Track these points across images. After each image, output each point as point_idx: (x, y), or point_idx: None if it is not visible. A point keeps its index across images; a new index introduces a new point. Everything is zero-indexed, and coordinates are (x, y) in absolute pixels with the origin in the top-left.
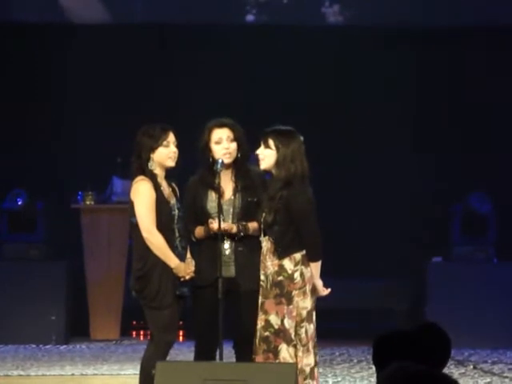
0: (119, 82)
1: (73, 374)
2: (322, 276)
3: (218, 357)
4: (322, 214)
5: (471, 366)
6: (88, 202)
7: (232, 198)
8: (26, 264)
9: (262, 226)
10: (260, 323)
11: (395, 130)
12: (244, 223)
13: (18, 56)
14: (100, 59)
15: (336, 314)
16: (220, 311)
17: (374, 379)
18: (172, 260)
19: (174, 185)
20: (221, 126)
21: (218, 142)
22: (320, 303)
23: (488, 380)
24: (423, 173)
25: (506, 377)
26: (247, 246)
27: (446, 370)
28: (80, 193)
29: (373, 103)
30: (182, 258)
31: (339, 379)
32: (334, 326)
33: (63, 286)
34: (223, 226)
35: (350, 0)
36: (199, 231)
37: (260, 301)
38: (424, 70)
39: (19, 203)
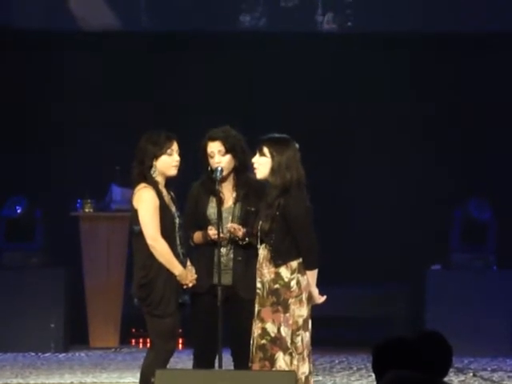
0: (118, 91)
1: (72, 382)
2: (322, 284)
3: (216, 364)
4: (321, 221)
5: (471, 374)
6: (87, 210)
7: (232, 206)
8: (25, 272)
9: (258, 234)
10: (256, 331)
11: (393, 134)
12: (250, 229)
13: (18, 63)
14: (99, 67)
15: (335, 321)
16: (219, 319)
17: None
18: (176, 267)
19: (172, 193)
20: (213, 139)
21: (211, 156)
22: (319, 311)
23: None
24: (422, 179)
25: None
26: (246, 255)
27: (445, 378)
28: (79, 200)
29: (371, 107)
30: (183, 265)
31: None
32: (334, 334)
33: (62, 294)
34: (231, 225)
35: (343, 8)
36: (197, 236)
37: (256, 309)
38: (422, 73)
39: (18, 211)
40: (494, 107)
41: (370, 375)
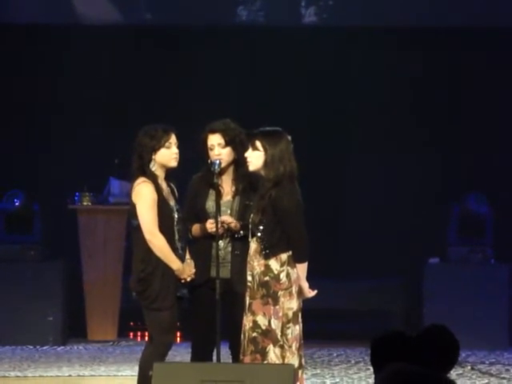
0: (116, 83)
1: (70, 375)
2: (320, 277)
3: (215, 357)
4: (319, 214)
5: (469, 367)
6: (85, 203)
7: (231, 200)
8: (23, 265)
9: (250, 226)
10: (248, 324)
11: (390, 130)
12: (246, 223)
13: (16, 56)
14: (97, 60)
15: (333, 314)
16: (217, 312)
17: (371, 380)
18: (174, 262)
19: (172, 185)
20: (213, 132)
21: (210, 149)
22: (318, 304)
23: (485, 381)
24: (420, 173)
25: (504, 378)
26: (244, 248)
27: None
28: (77, 193)
29: (370, 102)
30: (182, 259)
31: (337, 380)
32: (332, 327)
33: (60, 287)
34: (225, 218)
35: (327, 1)
36: (196, 229)
37: (247, 301)
38: (417, 69)
39: (16, 204)
40: (493, 104)
41: (369, 368)
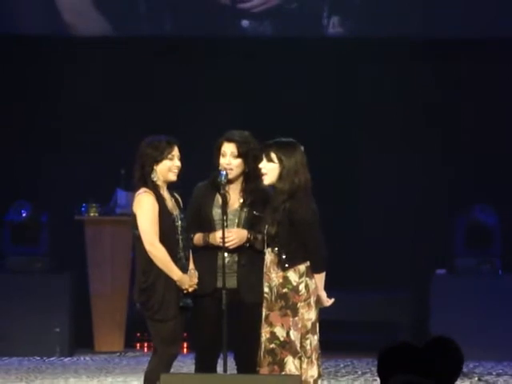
0: (121, 94)
1: None
2: (327, 289)
3: (220, 368)
4: (325, 226)
5: (476, 378)
6: (92, 214)
7: (238, 209)
8: (30, 276)
9: (265, 238)
10: (265, 335)
11: (397, 140)
12: (257, 235)
13: (20, 68)
14: (102, 71)
15: (340, 325)
16: (224, 323)
17: None
18: (175, 273)
19: (176, 195)
20: (229, 140)
21: (222, 155)
22: (325, 315)
23: None
24: (427, 184)
25: None
26: (250, 258)
27: None
28: (84, 205)
29: (376, 111)
30: (185, 269)
31: None
32: (339, 338)
33: (67, 298)
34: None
35: (350, 11)
36: (198, 238)
37: (265, 313)
38: (427, 77)
39: (23, 215)
40: (499, 112)
41: (375, 379)
